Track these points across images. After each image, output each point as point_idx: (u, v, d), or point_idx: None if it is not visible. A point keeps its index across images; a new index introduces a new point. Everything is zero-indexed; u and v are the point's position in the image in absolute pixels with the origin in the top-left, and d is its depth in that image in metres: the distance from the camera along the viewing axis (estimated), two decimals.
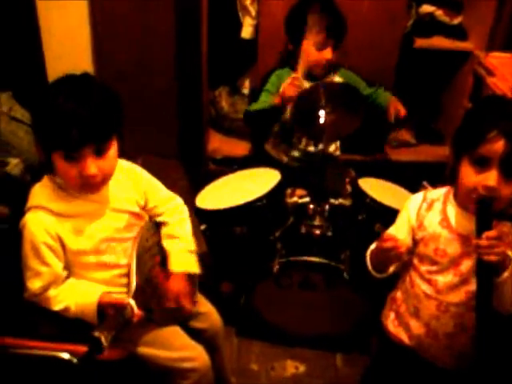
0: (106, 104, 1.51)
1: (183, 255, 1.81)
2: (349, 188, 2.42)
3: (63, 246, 1.59)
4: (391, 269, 1.66)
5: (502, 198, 1.43)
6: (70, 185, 1.58)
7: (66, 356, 1.57)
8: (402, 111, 2.52)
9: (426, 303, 1.63)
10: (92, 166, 1.51)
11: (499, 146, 1.39)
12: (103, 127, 1.51)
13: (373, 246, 1.67)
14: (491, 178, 1.41)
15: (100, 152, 1.53)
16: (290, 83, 2.39)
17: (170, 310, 1.73)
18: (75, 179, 1.53)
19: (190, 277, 1.81)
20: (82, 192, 1.60)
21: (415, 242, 1.65)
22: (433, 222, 1.60)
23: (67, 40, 3.23)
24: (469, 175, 1.46)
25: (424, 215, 1.63)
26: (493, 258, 1.37)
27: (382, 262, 1.64)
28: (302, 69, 2.45)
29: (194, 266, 1.82)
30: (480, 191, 1.43)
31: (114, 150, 1.57)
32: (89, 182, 1.54)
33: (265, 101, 2.56)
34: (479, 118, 1.50)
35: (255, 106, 2.60)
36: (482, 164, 1.43)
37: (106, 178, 1.59)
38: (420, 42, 3.03)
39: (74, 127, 1.45)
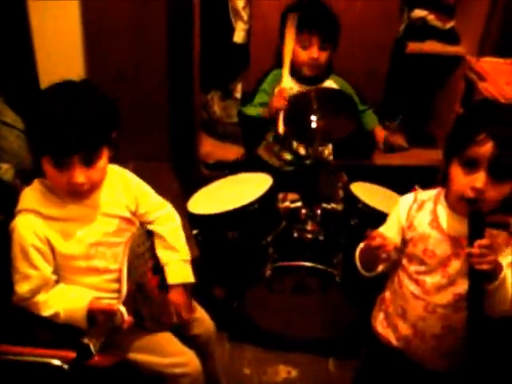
0: (99, 113, 1.51)
1: (179, 266, 1.82)
2: (341, 193, 2.42)
3: (52, 249, 1.59)
4: (380, 268, 1.67)
5: (489, 201, 1.44)
6: (59, 190, 1.58)
7: (57, 362, 1.56)
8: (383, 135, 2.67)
9: (413, 304, 1.64)
10: (80, 176, 1.52)
11: (487, 148, 1.40)
12: (94, 137, 1.51)
13: (362, 245, 1.68)
14: (479, 179, 1.42)
15: (89, 162, 1.53)
16: (278, 95, 2.41)
17: (161, 317, 1.73)
18: (63, 185, 1.54)
19: (185, 286, 1.83)
20: (70, 197, 1.60)
21: (405, 242, 1.66)
22: (423, 223, 1.61)
23: (59, 42, 3.20)
24: (458, 177, 1.47)
25: (414, 215, 1.63)
26: (485, 266, 1.37)
27: (370, 261, 1.65)
28: (286, 66, 2.47)
29: (189, 276, 1.85)
30: (468, 193, 1.44)
31: (104, 160, 1.58)
32: (76, 189, 1.55)
33: (258, 104, 2.61)
34: (469, 121, 1.52)
35: (249, 111, 2.63)
36: (470, 166, 1.44)
37: (94, 187, 1.60)
38: (412, 47, 3.03)
39: (64, 134, 1.45)
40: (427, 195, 1.66)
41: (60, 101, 1.47)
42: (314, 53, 2.53)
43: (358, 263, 1.70)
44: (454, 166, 1.49)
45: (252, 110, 2.64)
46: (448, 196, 1.58)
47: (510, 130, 1.41)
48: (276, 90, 2.48)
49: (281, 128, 2.42)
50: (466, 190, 1.45)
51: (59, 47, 3.22)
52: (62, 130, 1.45)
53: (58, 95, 1.49)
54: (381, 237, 1.53)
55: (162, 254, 1.82)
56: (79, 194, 1.58)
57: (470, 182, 1.44)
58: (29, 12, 3.04)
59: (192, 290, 1.90)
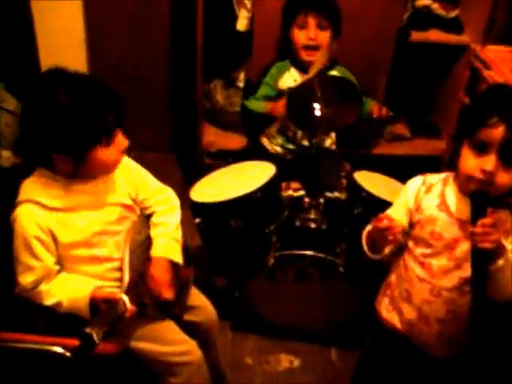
0: (108, 86, 1.57)
1: (167, 242, 1.77)
2: (344, 181, 2.41)
3: (55, 239, 1.58)
4: (386, 250, 1.67)
5: (499, 185, 1.44)
6: (106, 170, 1.64)
7: (59, 350, 1.55)
8: (384, 110, 2.64)
9: (418, 287, 1.64)
10: (124, 140, 1.61)
11: (499, 132, 1.40)
12: (123, 104, 1.59)
13: (369, 227, 1.67)
14: (489, 162, 1.42)
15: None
16: (282, 105, 2.43)
17: (163, 304, 1.72)
18: (115, 160, 1.62)
19: (170, 264, 1.76)
20: (101, 175, 1.64)
21: (411, 225, 1.65)
22: (431, 205, 1.60)
23: (61, 34, 3.20)
24: (468, 159, 1.47)
25: (422, 198, 1.63)
26: (487, 245, 1.37)
27: (377, 243, 1.64)
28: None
29: (176, 255, 1.77)
30: (477, 175, 1.44)
31: None
32: (123, 155, 1.65)
33: (261, 97, 2.63)
34: (481, 104, 1.52)
35: (252, 105, 2.63)
36: (481, 149, 1.44)
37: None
38: (416, 36, 3.01)
39: (108, 113, 1.52)
40: (436, 178, 1.65)
41: (76, 92, 1.49)
42: (311, 32, 2.52)
43: (364, 245, 1.69)
44: (464, 149, 1.49)
45: (255, 104, 2.65)
46: (457, 178, 1.57)
47: None
48: (282, 100, 2.48)
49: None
50: (475, 172, 1.45)
51: (62, 41, 3.22)
52: (107, 111, 1.52)
53: (75, 87, 1.50)
54: (388, 219, 1.54)
55: (152, 230, 1.79)
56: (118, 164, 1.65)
57: (480, 164, 1.44)
58: (32, 10, 3.03)
59: (194, 279, 1.89)
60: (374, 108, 2.72)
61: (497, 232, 1.39)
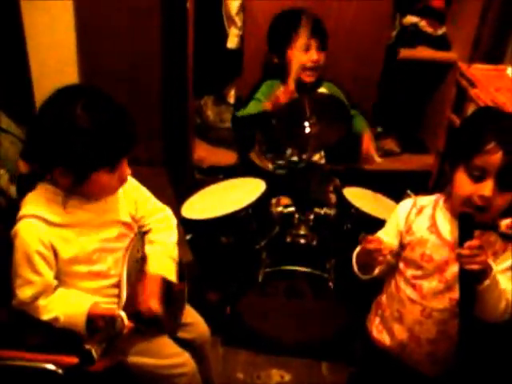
0: (125, 112, 1.58)
1: (162, 260, 1.78)
2: (334, 197, 2.44)
3: (56, 254, 1.58)
4: (376, 271, 1.69)
5: (494, 209, 1.46)
6: (103, 194, 1.63)
7: (51, 367, 1.56)
8: (372, 151, 2.60)
9: (410, 308, 1.65)
10: (128, 169, 1.61)
11: (497, 158, 1.42)
12: (135, 133, 1.58)
13: (358, 248, 1.69)
14: (487, 188, 1.44)
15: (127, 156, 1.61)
16: (284, 91, 2.42)
17: (159, 321, 1.73)
18: (114, 187, 1.62)
19: (168, 292, 1.76)
20: (102, 198, 1.64)
21: (402, 246, 1.67)
22: (421, 227, 1.62)
23: (52, 45, 3.20)
24: (464, 184, 1.48)
25: (413, 220, 1.65)
26: (474, 266, 1.39)
27: (367, 264, 1.66)
28: (293, 80, 2.48)
29: (171, 273, 1.77)
30: (475, 200, 1.45)
31: None
32: (123, 184, 1.64)
33: (255, 107, 2.59)
34: (477, 129, 1.51)
35: (245, 112, 2.63)
36: (478, 174, 1.45)
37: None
38: (404, 53, 3.06)
39: (118, 143, 1.53)
40: (426, 200, 1.67)
41: (95, 112, 1.49)
42: (313, 54, 2.54)
43: (354, 266, 1.71)
44: (459, 173, 1.50)
45: (248, 110, 2.63)
46: (448, 201, 1.59)
47: None
48: (282, 87, 2.49)
49: None
50: (473, 197, 1.46)
51: (53, 50, 3.22)
52: (117, 137, 1.52)
53: (85, 108, 1.48)
54: (377, 241, 1.55)
55: (148, 247, 1.80)
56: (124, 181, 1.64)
57: (477, 189, 1.45)
58: (22, 13, 3.02)
59: (187, 297, 1.90)
60: (366, 141, 2.69)
61: (483, 254, 1.40)
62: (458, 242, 1.42)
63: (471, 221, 1.43)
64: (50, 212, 1.57)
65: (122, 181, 1.62)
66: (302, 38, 2.50)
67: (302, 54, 2.53)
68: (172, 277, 1.77)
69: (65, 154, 1.49)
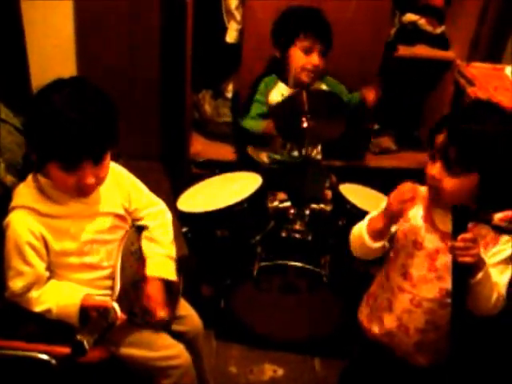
0: (105, 114, 1.51)
1: (161, 260, 1.80)
2: (329, 193, 2.44)
3: (46, 246, 1.59)
4: (393, 229, 1.67)
5: (445, 190, 1.49)
6: (64, 190, 1.58)
7: (44, 357, 1.56)
8: (374, 94, 2.62)
9: (399, 296, 1.67)
10: (90, 177, 1.51)
11: (441, 138, 1.47)
12: (103, 139, 1.51)
13: (369, 217, 1.69)
14: (435, 168, 1.48)
15: (98, 161, 1.52)
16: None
17: (152, 316, 1.73)
18: (71, 187, 1.54)
19: (167, 284, 1.79)
20: (75, 196, 1.60)
21: (395, 233, 1.68)
22: (416, 215, 1.64)
23: (51, 39, 3.21)
24: (428, 166, 1.53)
25: (409, 206, 1.64)
26: (467, 259, 1.40)
27: (385, 225, 1.63)
28: (291, 78, 2.49)
29: (171, 273, 1.81)
30: (429, 181, 1.51)
31: (108, 156, 1.58)
32: (85, 189, 1.55)
33: (257, 115, 2.62)
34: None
35: (249, 125, 2.65)
36: (433, 156, 1.51)
37: (99, 184, 1.60)
38: (402, 51, 3.06)
39: (75, 141, 1.44)
40: (423, 190, 1.67)
41: (65, 104, 1.44)
42: (315, 59, 2.53)
43: (365, 235, 1.66)
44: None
45: (252, 124, 2.64)
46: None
47: (469, 127, 1.44)
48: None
49: None
50: (429, 179, 1.52)
51: (51, 46, 3.23)
52: (73, 137, 1.43)
53: (61, 97, 1.46)
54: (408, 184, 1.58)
55: (145, 246, 1.81)
56: (85, 193, 1.58)
57: (430, 170, 1.50)
58: (21, 10, 3.02)
59: (182, 290, 1.90)
60: (368, 95, 2.72)
61: (477, 247, 1.42)
62: (452, 234, 1.43)
63: (465, 213, 1.44)
64: (41, 203, 1.58)
65: (81, 187, 1.54)
66: (306, 40, 2.51)
67: (303, 56, 2.53)
68: (173, 277, 1.81)
69: (30, 132, 1.52)
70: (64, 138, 1.43)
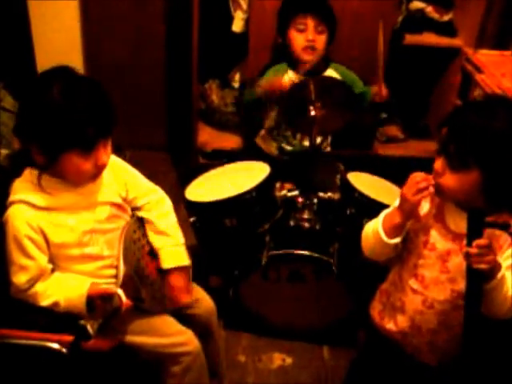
0: (102, 93, 1.57)
1: (173, 250, 1.81)
2: (338, 182, 2.43)
3: (46, 239, 1.59)
4: (408, 224, 1.62)
5: (443, 185, 1.46)
6: (79, 180, 1.61)
7: (55, 346, 1.57)
8: (383, 92, 2.59)
9: (411, 297, 1.65)
10: (104, 155, 1.58)
11: (444, 132, 1.45)
12: (112, 120, 1.57)
13: (383, 214, 1.65)
14: (438, 162, 1.46)
15: (107, 138, 1.59)
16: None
17: (160, 299, 1.75)
18: (88, 172, 1.58)
19: (183, 269, 1.82)
20: (82, 184, 1.63)
21: (407, 233, 1.64)
22: (428, 214, 1.61)
23: (58, 35, 3.22)
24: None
25: (422, 205, 1.61)
26: (483, 266, 1.37)
27: (402, 220, 1.58)
28: (296, 62, 2.49)
29: (184, 259, 1.83)
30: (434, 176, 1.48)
31: (110, 140, 1.62)
32: (100, 171, 1.61)
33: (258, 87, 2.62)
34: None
35: (248, 95, 2.69)
36: (438, 152, 1.48)
37: (103, 169, 1.64)
38: (410, 39, 3.05)
39: (91, 125, 1.50)
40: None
41: (66, 95, 1.49)
42: (310, 34, 2.55)
43: (381, 231, 1.61)
44: None
45: (252, 92, 2.67)
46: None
47: (467, 124, 1.41)
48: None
49: None
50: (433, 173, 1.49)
51: (58, 40, 3.24)
52: (88, 121, 1.50)
53: (59, 91, 1.49)
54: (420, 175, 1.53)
55: (154, 239, 1.82)
56: (98, 174, 1.63)
57: (435, 164, 1.48)
58: (28, 5, 3.05)
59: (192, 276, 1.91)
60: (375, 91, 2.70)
61: (492, 253, 1.38)
62: (467, 240, 1.39)
63: (481, 218, 1.39)
64: (37, 196, 1.59)
65: (99, 167, 1.59)
66: (299, 19, 2.54)
67: (299, 35, 2.54)
68: (186, 262, 1.84)
69: (36, 129, 1.51)
70: (80, 125, 1.49)
